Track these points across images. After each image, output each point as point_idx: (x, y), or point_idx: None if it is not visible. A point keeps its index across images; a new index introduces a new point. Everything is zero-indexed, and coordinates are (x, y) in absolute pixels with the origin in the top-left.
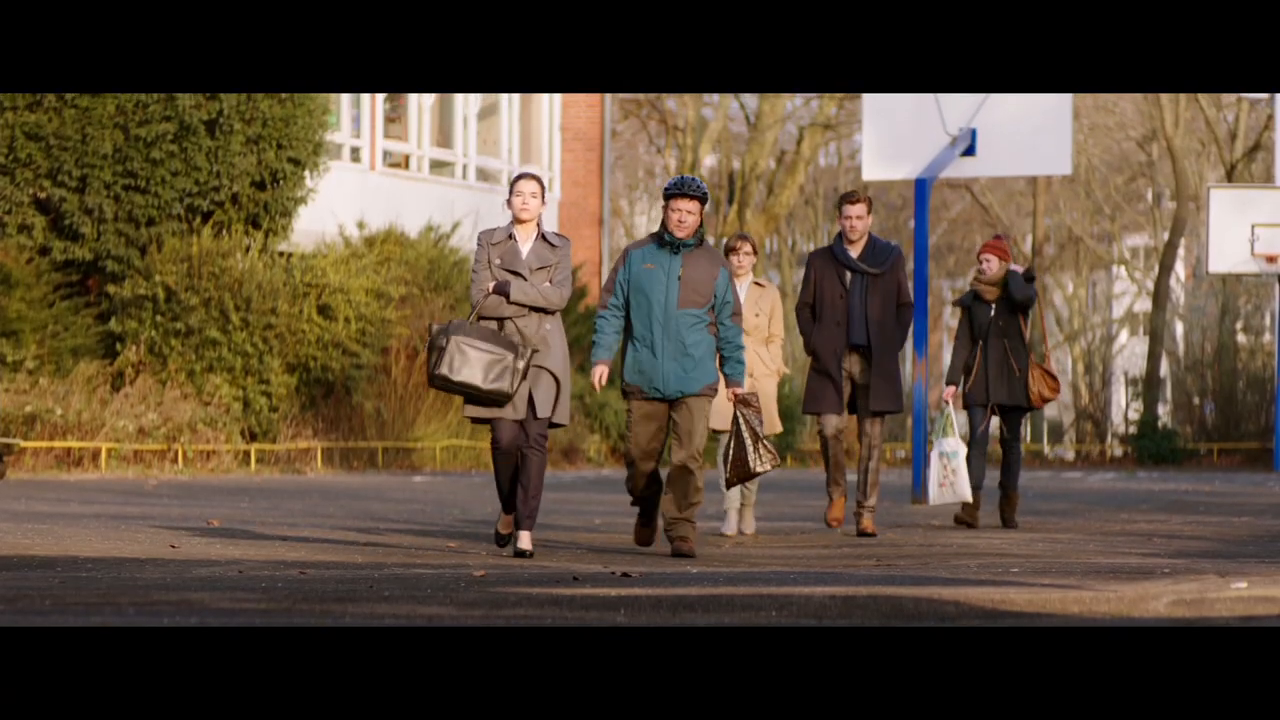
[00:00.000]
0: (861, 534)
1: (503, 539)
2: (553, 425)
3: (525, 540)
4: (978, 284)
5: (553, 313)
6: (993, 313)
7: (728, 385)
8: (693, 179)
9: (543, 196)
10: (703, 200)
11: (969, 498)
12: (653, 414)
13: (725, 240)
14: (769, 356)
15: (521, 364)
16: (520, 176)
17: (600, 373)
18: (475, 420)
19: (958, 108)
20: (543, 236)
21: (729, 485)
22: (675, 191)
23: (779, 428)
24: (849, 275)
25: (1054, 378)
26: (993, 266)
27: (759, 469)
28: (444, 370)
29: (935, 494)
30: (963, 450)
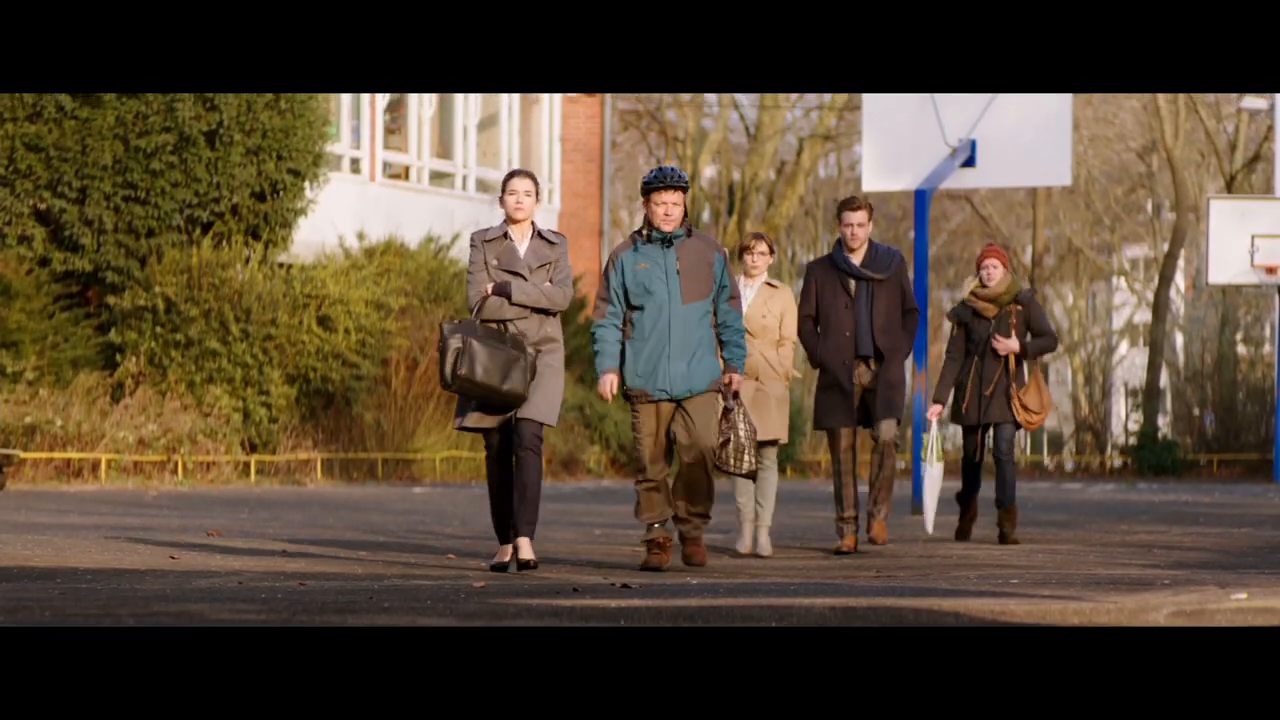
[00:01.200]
0: (870, 541)
1: (502, 568)
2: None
3: (526, 549)
4: (975, 300)
5: (554, 314)
6: (992, 329)
7: (725, 371)
8: (672, 169)
9: (536, 195)
10: (685, 189)
11: (930, 530)
12: (660, 415)
13: (740, 242)
14: (777, 360)
15: (530, 364)
16: (513, 175)
17: (610, 381)
18: (465, 429)
19: (957, 118)
20: (539, 234)
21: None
22: (657, 184)
23: (783, 436)
24: (853, 284)
25: (1042, 395)
26: (997, 274)
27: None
28: (466, 371)
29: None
30: (934, 472)
